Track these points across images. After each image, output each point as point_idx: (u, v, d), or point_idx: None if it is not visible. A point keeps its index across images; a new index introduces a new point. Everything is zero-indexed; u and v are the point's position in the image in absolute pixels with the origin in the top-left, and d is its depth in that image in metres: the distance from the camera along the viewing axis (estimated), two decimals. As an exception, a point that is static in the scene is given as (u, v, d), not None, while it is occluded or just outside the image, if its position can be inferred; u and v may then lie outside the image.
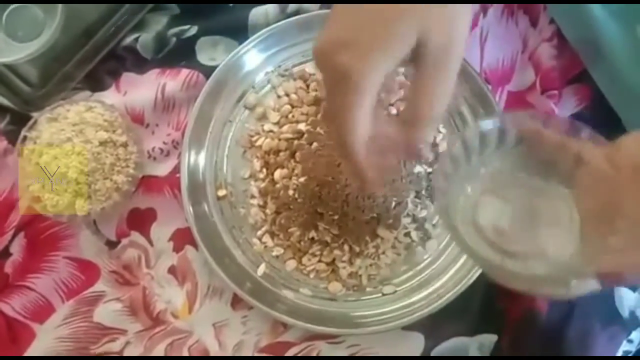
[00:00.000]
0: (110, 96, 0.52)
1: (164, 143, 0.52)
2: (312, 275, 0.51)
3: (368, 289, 0.50)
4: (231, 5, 0.54)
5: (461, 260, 0.50)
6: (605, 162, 0.32)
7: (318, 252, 0.50)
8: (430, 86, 0.34)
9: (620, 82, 0.49)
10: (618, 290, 0.50)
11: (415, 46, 0.33)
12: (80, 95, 0.52)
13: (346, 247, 0.50)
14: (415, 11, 0.32)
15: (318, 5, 0.53)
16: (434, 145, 0.52)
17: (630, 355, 0.50)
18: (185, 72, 0.52)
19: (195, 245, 0.50)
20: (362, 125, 0.33)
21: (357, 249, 0.49)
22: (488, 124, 0.35)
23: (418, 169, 0.51)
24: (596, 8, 0.48)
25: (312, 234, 0.49)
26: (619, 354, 0.49)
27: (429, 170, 0.52)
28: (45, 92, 0.52)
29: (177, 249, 0.51)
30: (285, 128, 0.52)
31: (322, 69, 0.34)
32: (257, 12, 0.53)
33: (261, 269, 0.50)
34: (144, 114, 0.52)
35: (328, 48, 0.33)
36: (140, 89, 0.52)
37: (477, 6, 0.54)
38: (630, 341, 0.50)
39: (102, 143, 0.47)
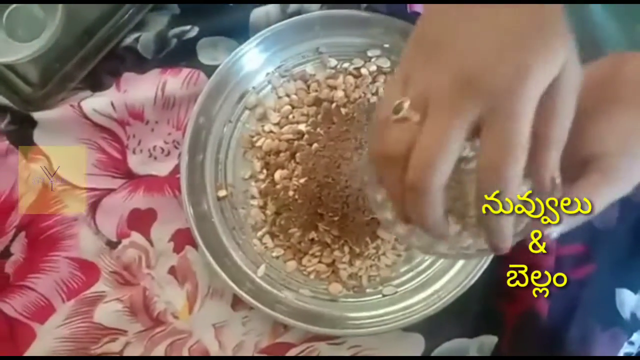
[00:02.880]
0: (110, 96, 0.52)
1: (165, 142, 0.52)
2: (312, 276, 0.50)
3: (368, 290, 0.50)
4: (232, 5, 0.53)
5: (461, 262, 0.50)
6: None
7: (318, 253, 0.50)
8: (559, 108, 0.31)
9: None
10: (619, 292, 0.50)
11: None
12: (80, 95, 0.52)
13: (346, 248, 0.49)
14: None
15: (319, 6, 0.53)
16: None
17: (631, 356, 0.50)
18: (186, 70, 0.52)
19: (195, 246, 0.50)
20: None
21: (357, 250, 0.49)
22: None
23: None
24: (595, 8, 0.48)
25: (312, 235, 0.49)
26: (620, 355, 0.49)
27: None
28: (45, 92, 0.51)
29: (177, 249, 0.51)
30: (285, 129, 0.51)
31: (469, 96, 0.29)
32: (258, 13, 0.53)
33: (261, 270, 0.50)
34: (144, 111, 0.52)
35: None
36: (141, 87, 0.52)
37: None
38: (631, 343, 0.50)
39: None
